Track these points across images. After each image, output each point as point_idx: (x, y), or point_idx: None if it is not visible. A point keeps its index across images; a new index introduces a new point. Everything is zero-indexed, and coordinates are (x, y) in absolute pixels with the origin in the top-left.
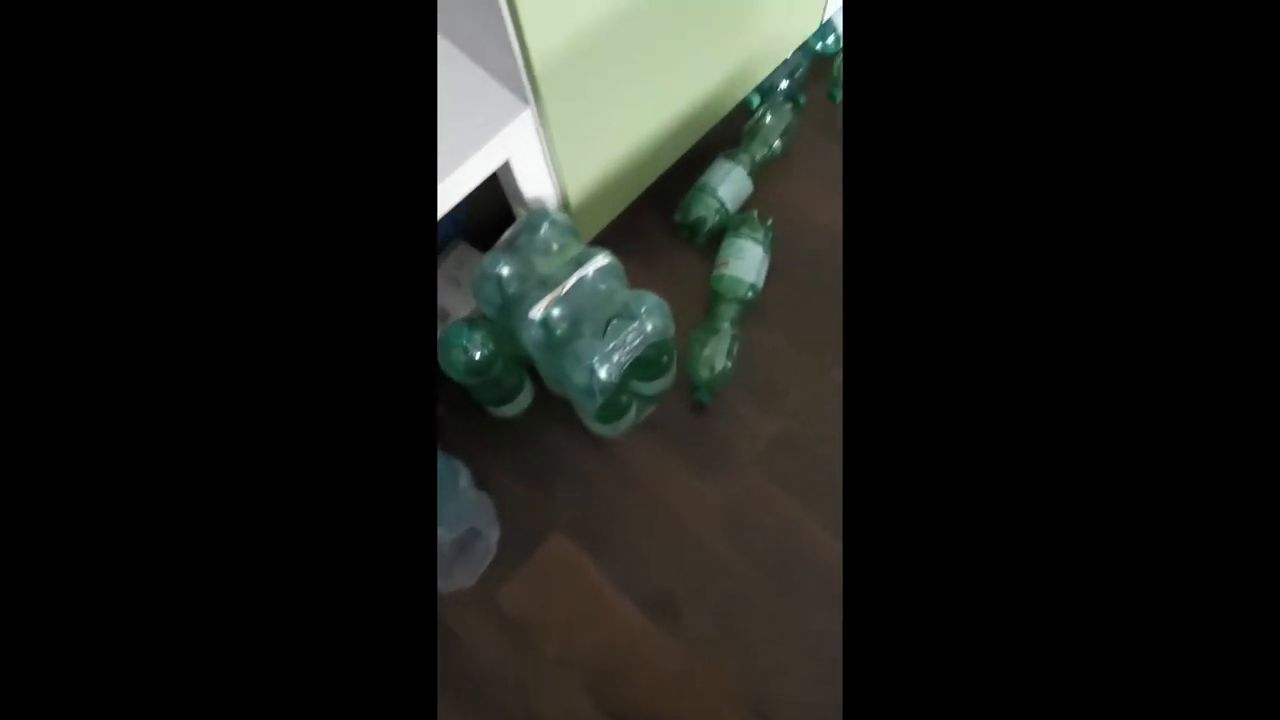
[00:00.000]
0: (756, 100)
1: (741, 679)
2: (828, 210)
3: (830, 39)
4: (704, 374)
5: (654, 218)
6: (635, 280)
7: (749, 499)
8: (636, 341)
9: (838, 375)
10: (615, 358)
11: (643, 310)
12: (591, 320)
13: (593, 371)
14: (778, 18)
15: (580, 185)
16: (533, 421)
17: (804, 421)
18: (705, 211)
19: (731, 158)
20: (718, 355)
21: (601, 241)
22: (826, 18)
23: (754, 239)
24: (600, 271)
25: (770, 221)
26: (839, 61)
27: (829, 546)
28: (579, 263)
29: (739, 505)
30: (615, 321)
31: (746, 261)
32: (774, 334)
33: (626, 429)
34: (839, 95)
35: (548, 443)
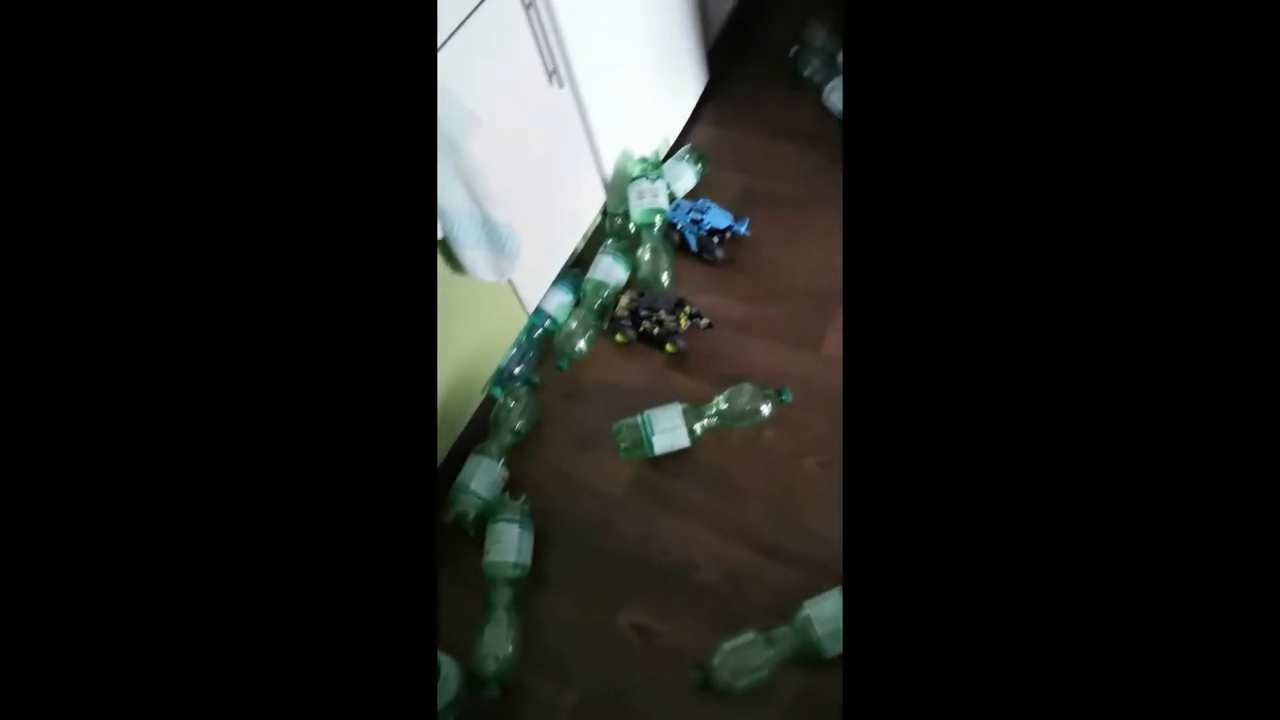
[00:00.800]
0: (498, 391)
1: None
2: (582, 469)
3: (547, 322)
4: (490, 667)
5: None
6: None
7: None
8: None
9: (623, 620)
10: None
11: None
12: None
13: None
14: (479, 325)
15: None
16: None
17: (600, 682)
18: (464, 507)
19: (481, 451)
20: (498, 644)
21: None
22: (534, 307)
23: (508, 520)
24: None
25: (524, 497)
26: (558, 337)
27: None
28: None
29: None
30: None
31: (504, 544)
32: (556, 600)
33: None
34: (565, 365)
35: None
